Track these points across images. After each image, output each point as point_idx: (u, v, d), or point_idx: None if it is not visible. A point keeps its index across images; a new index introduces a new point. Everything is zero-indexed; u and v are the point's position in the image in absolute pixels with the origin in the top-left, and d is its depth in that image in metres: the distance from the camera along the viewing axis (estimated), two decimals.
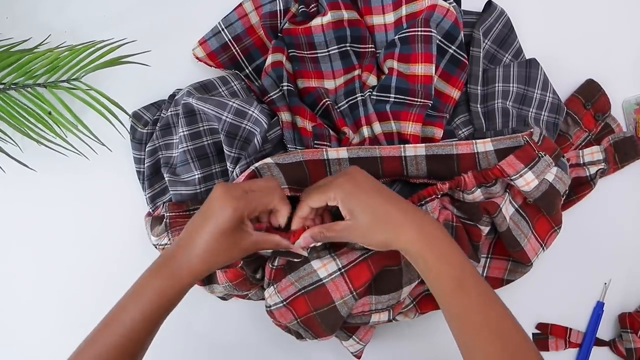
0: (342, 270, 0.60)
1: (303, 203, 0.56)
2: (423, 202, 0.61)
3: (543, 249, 0.66)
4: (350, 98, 0.70)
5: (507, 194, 0.64)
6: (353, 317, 0.64)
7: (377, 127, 0.67)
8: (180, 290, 0.52)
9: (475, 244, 0.63)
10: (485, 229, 0.63)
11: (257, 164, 0.61)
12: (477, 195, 0.62)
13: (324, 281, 0.60)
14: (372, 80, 0.70)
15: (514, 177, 0.61)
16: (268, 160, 0.61)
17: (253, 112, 0.64)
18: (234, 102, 0.64)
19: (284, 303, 0.61)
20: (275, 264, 0.61)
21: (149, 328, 0.51)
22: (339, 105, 0.70)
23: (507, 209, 0.64)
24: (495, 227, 0.64)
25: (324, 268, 0.60)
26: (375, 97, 0.69)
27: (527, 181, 0.61)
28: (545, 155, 0.62)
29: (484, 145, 0.63)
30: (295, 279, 0.61)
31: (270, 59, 0.69)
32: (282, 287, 0.61)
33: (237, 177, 0.63)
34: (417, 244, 0.52)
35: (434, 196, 0.62)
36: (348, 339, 0.66)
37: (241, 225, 0.53)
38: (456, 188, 0.62)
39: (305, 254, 0.59)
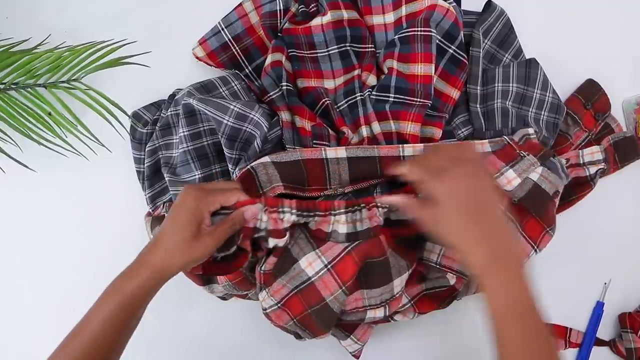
0: (329, 266, 0.60)
1: (404, 168, 0.57)
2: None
3: (536, 250, 0.65)
4: (350, 98, 0.70)
5: None
6: (348, 314, 0.64)
7: (376, 127, 0.67)
8: (143, 290, 0.53)
9: None
10: None
11: (252, 163, 0.61)
12: None
13: (312, 279, 0.60)
14: (371, 80, 0.70)
15: (495, 175, 0.61)
16: (265, 159, 0.61)
17: (254, 115, 0.64)
18: (235, 106, 0.64)
19: (279, 305, 0.62)
20: (264, 269, 0.62)
21: (115, 332, 0.52)
22: (339, 104, 0.70)
23: None
24: None
25: (310, 267, 0.60)
26: (374, 97, 0.68)
27: (509, 179, 0.61)
28: (528, 154, 0.62)
29: (482, 147, 0.63)
30: (286, 281, 0.61)
31: (269, 59, 0.69)
32: (274, 290, 0.61)
33: (236, 177, 0.63)
34: (480, 270, 0.51)
35: (413, 195, 0.60)
36: (346, 338, 0.66)
37: (201, 217, 0.55)
38: None
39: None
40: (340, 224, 0.60)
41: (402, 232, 0.62)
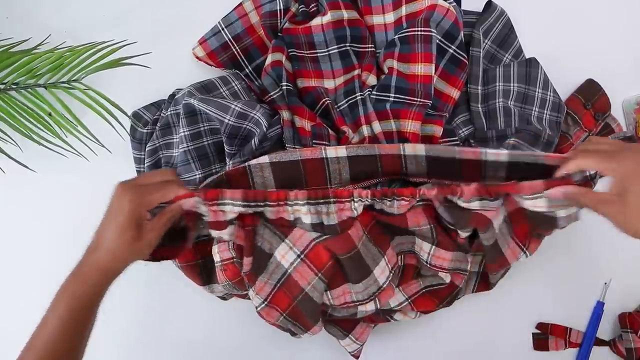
0: (302, 256, 0.60)
1: (574, 163, 0.53)
2: (391, 198, 0.58)
3: (525, 253, 0.62)
4: (350, 97, 0.70)
5: (502, 206, 0.58)
6: (339, 310, 0.64)
7: (377, 126, 0.67)
8: (94, 291, 0.53)
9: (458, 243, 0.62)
10: (464, 234, 0.60)
11: (251, 162, 0.61)
12: (474, 205, 0.56)
13: (288, 271, 0.60)
14: (371, 79, 0.70)
15: (527, 197, 0.55)
16: (264, 159, 0.61)
17: (255, 114, 0.65)
18: (236, 106, 0.64)
19: (266, 302, 0.62)
20: (243, 270, 0.61)
21: (69, 336, 0.52)
22: (339, 104, 0.70)
23: (497, 220, 0.59)
24: None
25: (284, 259, 0.60)
26: (375, 97, 0.68)
27: (536, 205, 0.55)
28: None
29: (497, 157, 0.58)
30: (267, 277, 0.61)
31: (269, 59, 0.69)
32: (258, 289, 0.61)
33: (228, 170, 0.62)
34: None
35: (410, 198, 0.58)
36: (345, 337, 0.66)
37: (140, 218, 0.54)
38: (451, 195, 0.57)
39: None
40: (302, 214, 0.58)
41: (383, 219, 0.61)
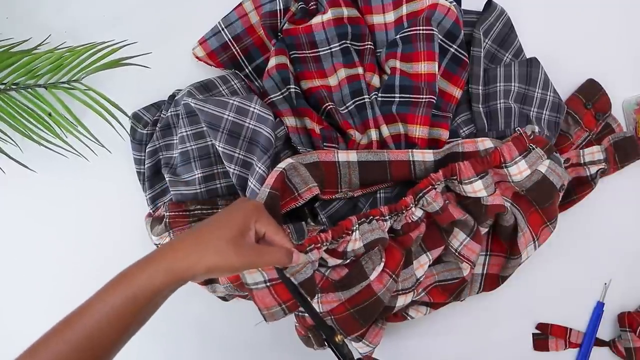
0: (382, 262, 0.61)
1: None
2: (421, 195, 0.61)
3: (535, 244, 0.65)
4: (358, 99, 0.69)
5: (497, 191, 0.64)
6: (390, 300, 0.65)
7: (385, 130, 0.67)
8: (152, 285, 0.46)
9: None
10: (483, 230, 0.65)
11: (281, 165, 0.61)
12: (478, 186, 0.62)
13: (370, 278, 0.61)
14: (375, 80, 0.70)
15: (509, 164, 0.63)
16: (291, 160, 0.61)
17: (254, 109, 0.64)
18: (234, 100, 0.64)
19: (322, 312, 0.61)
20: (327, 274, 0.61)
21: (115, 331, 0.45)
22: (347, 105, 0.69)
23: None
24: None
25: (375, 271, 0.61)
26: (381, 99, 0.68)
27: (520, 170, 0.63)
28: (536, 147, 0.64)
29: (483, 143, 0.64)
30: (345, 298, 0.61)
31: (274, 61, 0.68)
32: (327, 300, 0.61)
33: (264, 174, 0.61)
34: None
35: (429, 187, 0.61)
36: (358, 341, 0.66)
37: (246, 231, 0.50)
38: (452, 177, 0.62)
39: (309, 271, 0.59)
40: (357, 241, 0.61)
41: (434, 218, 0.64)
